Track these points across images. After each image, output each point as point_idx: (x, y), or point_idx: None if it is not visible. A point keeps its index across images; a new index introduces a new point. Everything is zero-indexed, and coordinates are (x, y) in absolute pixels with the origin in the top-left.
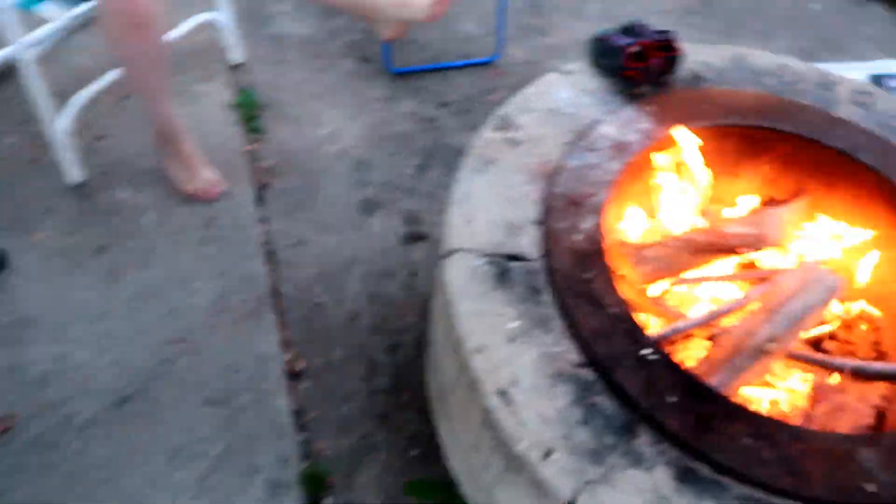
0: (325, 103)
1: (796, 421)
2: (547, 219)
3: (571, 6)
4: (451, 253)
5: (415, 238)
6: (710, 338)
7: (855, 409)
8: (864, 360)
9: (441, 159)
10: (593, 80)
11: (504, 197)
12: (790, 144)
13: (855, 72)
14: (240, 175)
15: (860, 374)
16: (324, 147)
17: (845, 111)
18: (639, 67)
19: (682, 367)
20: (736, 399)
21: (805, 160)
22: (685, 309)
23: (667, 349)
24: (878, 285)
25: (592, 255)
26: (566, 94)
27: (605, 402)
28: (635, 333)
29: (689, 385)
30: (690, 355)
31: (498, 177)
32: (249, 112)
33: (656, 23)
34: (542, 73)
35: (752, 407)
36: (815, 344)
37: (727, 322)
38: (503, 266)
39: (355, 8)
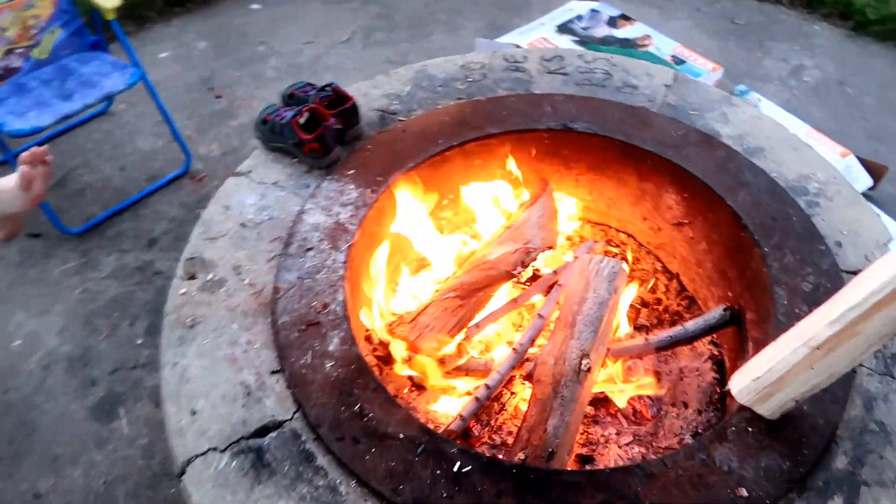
0: (5, 308)
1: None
2: (286, 362)
3: (249, 72)
4: (185, 466)
5: None
6: (528, 376)
7: (694, 369)
8: (677, 326)
9: None
10: (277, 168)
11: (226, 360)
12: (508, 143)
13: (544, 28)
14: None
15: (681, 340)
16: (22, 363)
17: (544, 84)
18: (317, 136)
19: (502, 460)
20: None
21: (532, 151)
22: (491, 353)
23: (489, 413)
24: (650, 237)
25: (355, 378)
26: (252, 198)
27: None
28: (439, 447)
29: (518, 477)
30: (520, 398)
31: (210, 339)
32: None
33: (342, 55)
34: (245, 159)
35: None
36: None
37: (537, 350)
38: (255, 448)
39: None
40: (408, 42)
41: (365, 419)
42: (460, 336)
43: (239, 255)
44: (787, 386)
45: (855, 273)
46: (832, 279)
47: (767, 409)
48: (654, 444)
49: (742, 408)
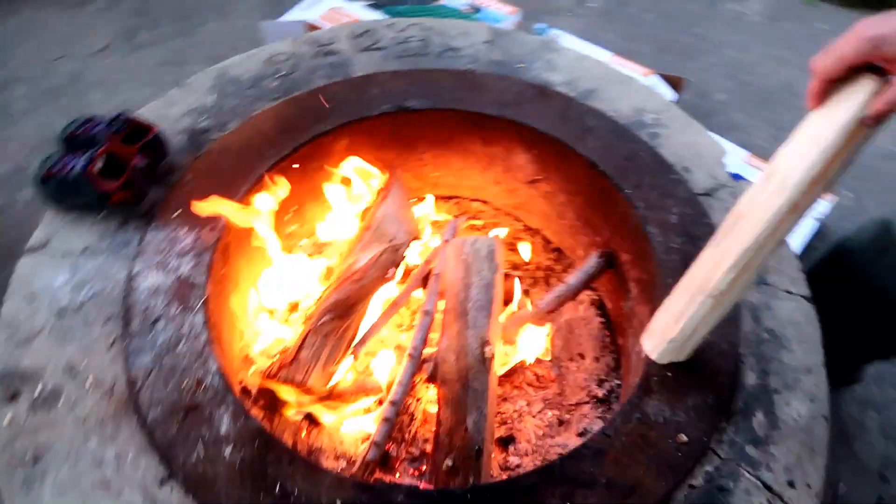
0: None
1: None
2: (174, 464)
3: None
4: None
5: None
6: (430, 378)
7: (580, 319)
8: (559, 284)
9: None
10: (81, 230)
11: (97, 487)
12: (344, 138)
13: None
14: None
15: (566, 297)
16: None
17: (363, 64)
18: (124, 182)
19: (453, 489)
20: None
21: (370, 141)
22: (385, 364)
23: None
24: (506, 199)
25: (264, 456)
26: (62, 276)
27: None
28: (387, 501)
29: (475, 499)
30: (426, 401)
31: (66, 469)
32: None
33: (105, 66)
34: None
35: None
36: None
37: (434, 348)
38: None
39: None
40: (180, 37)
41: (292, 499)
42: (349, 359)
43: (68, 352)
44: (699, 333)
45: (708, 195)
46: (693, 206)
47: (684, 356)
48: (564, 402)
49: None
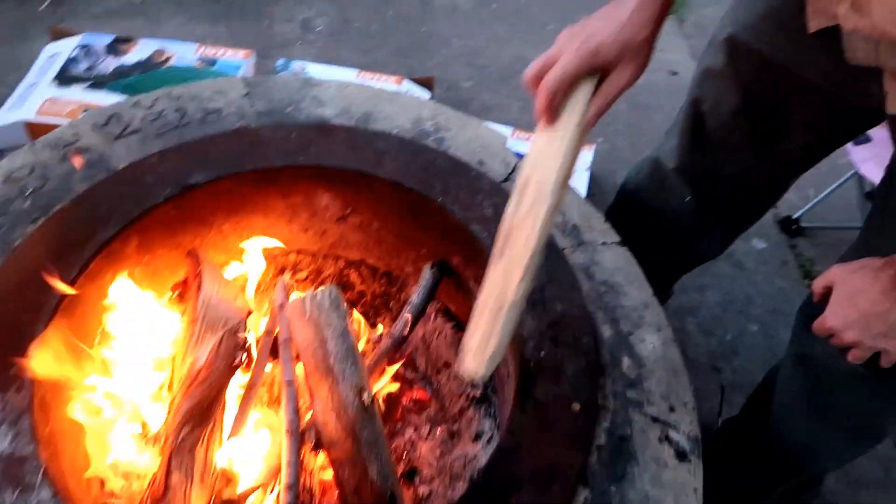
0: None
1: None
2: None
3: None
4: None
5: None
6: (316, 446)
7: (432, 331)
8: (404, 307)
9: None
10: None
11: None
12: (133, 238)
13: (40, 88)
14: None
15: (416, 316)
16: None
17: (123, 153)
18: None
19: None
20: None
21: (162, 231)
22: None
23: None
24: (320, 243)
25: None
26: None
27: None
28: None
29: None
30: (317, 468)
31: None
32: None
33: None
34: None
35: None
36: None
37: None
38: None
39: None
40: None
41: None
42: (224, 464)
43: None
44: (508, 340)
45: (508, 180)
46: (500, 195)
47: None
48: (448, 415)
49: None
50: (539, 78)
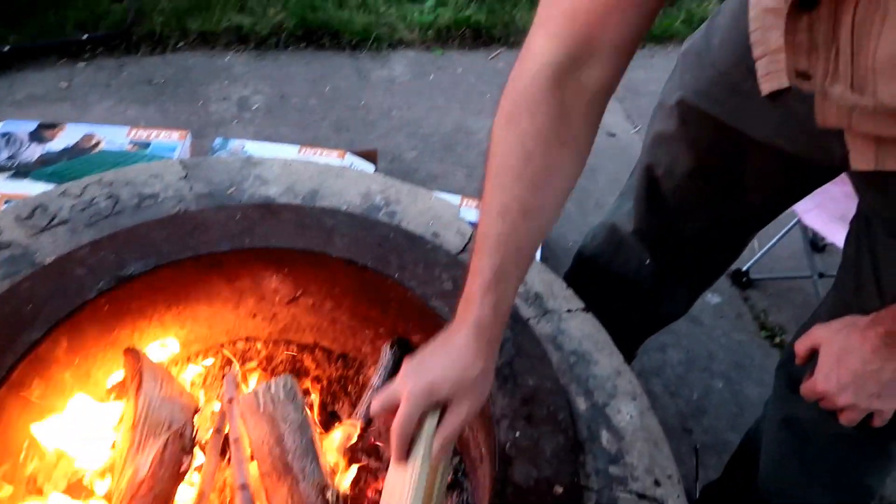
0: None
1: None
2: None
3: None
4: None
5: None
6: None
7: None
8: (365, 391)
9: None
10: None
11: None
12: (62, 339)
13: None
14: None
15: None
16: None
17: (50, 247)
18: None
19: None
20: None
21: (96, 328)
22: None
23: None
24: (270, 328)
25: None
26: None
27: None
28: None
29: None
30: None
31: None
32: None
33: None
34: None
35: None
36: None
37: None
38: None
39: None
40: None
41: None
42: None
43: None
44: None
45: (463, 251)
46: (458, 267)
47: None
48: None
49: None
50: (383, 412)
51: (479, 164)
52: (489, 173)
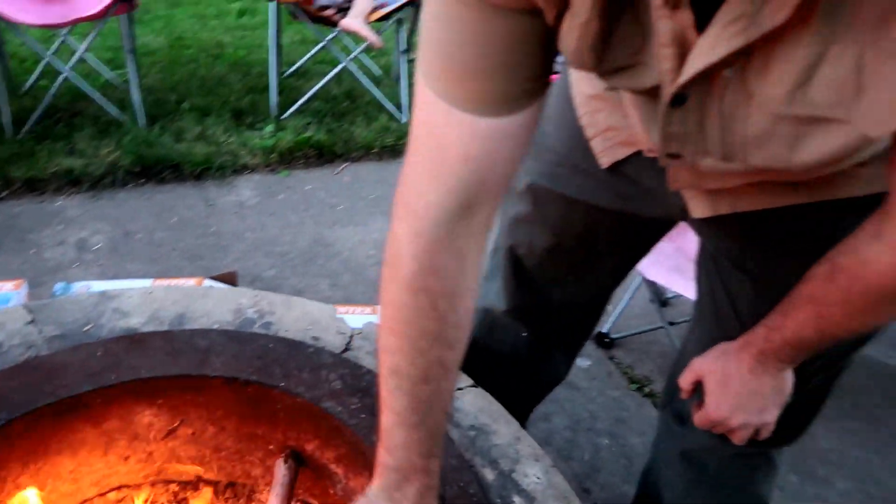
0: None
1: None
2: None
3: None
4: None
5: None
6: None
7: None
8: None
9: None
10: None
11: None
12: None
13: None
14: None
15: None
16: None
17: None
18: None
19: None
20: None
21: None
22: None
23: None
24: (146, 470)
25: None
26: None
27: None
28: None
29: None
30: None
31: None
32: None
33: None
34: None
35: None
36: None
37: None
38: None
39: None
40: None
41: None
42: None
43: None
44: None
45: (348, 349)
46: (344, 365)
47: None
48: None
49: None
50: None
51: (341, 272)
52: (401, 337)
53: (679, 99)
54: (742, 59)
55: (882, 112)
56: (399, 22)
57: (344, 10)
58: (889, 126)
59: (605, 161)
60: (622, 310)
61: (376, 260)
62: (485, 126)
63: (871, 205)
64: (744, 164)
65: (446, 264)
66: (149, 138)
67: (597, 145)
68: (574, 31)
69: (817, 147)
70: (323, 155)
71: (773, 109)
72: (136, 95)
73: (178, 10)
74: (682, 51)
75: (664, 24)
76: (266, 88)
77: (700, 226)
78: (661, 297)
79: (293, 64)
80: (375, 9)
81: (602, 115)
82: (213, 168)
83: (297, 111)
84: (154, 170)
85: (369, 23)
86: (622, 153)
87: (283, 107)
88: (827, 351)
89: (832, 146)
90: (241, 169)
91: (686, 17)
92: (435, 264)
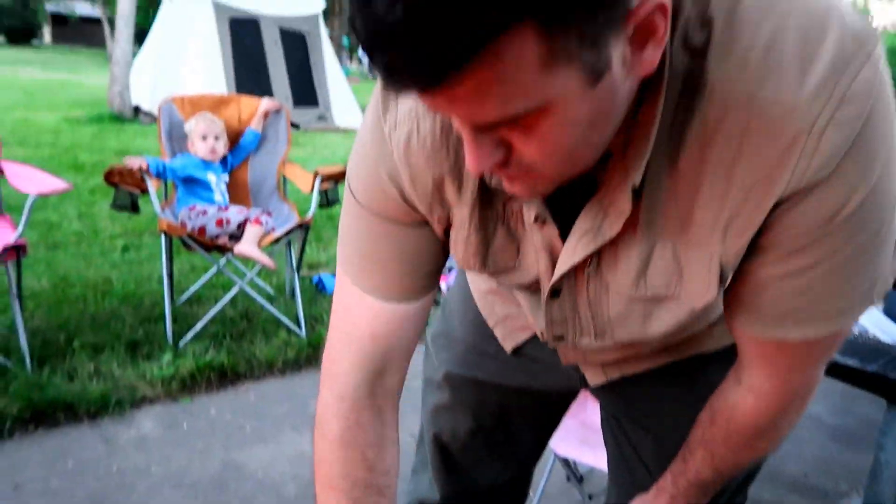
0: None
1: None
2: None
3: None
4: None
5: None
6: None
7: None
8: None
9: None
10: None
11: None
12: None
13: None
14: None
15: None
16: None
17: None
18: None
19: None
20: None
21: None
22: None
23: None
24: None
25: None
26: None
27: None
28: None
29: None
30: None
31: None
32: None
33: None
34: None
35: None
36: None
37: None
38: None
39: None
40: None
41: None
42: None
43: None
44: None
45: None
46: None
47: None
48: None
49: None
50: None
51: (256, 493)
52: (337, 490)
53: (555, 292)
54: (597, 259)
55: (699, 287)
56: (289, 244)
57: (235, 238)
58: (705, 298)
59: (508, 346)
60: (541, 492)
61: (291, 475)
62: (389, 310)
63: (728, 354)
64: (612, 340)
65: (369, 419)
66: (39, 381)
67: (498, 332)
68: (459, 242)
69: (664, 320)
70: (225, 377)
71: (625, 293)
72: (22, 339)
73: (60, 251)
74: (553, 255)
75: (538, 236)
76: (159, 318)
77: (598, 392)
78: (576, 474)
79: (184, 291)
80: (266, 234)
81: (499, 307)
82: (110, 404)
83: (195, 337)
84: (45, 413)
85: (262, 247)
86: (521, 337)
87: (179, 334)
88: (726, 487)
89: (674, 318)
90: (140, 401)
91: (552, 230)
92: (360, 420)
